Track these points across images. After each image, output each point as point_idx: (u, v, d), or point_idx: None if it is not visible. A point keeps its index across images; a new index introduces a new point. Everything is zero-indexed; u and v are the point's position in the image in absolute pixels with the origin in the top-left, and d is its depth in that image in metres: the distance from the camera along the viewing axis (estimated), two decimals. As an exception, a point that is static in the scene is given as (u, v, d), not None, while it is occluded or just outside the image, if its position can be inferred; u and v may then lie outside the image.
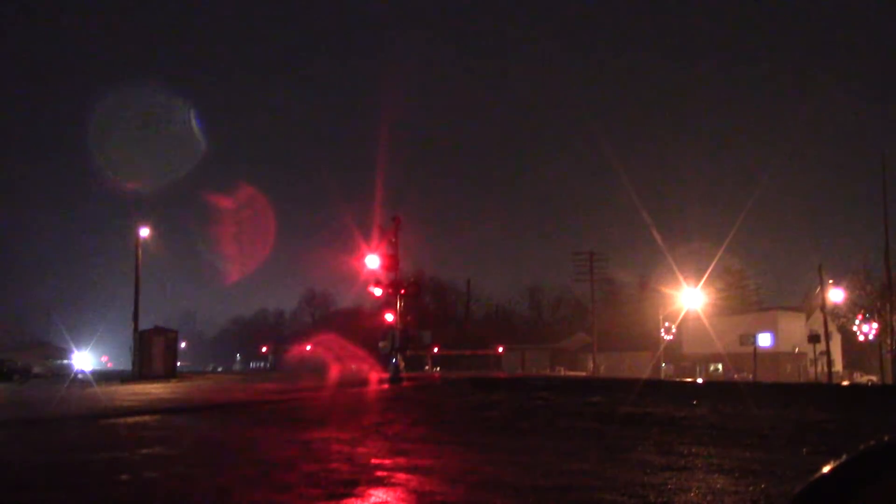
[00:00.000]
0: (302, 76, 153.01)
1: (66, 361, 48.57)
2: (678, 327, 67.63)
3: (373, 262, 29.49)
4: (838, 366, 65.00)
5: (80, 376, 38.49)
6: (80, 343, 46.95)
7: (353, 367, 79.57)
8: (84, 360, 45.92)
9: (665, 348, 66.18)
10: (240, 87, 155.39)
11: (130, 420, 15.07)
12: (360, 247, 30.78)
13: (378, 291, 30.09)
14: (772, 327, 66.77)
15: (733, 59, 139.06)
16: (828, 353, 50.63)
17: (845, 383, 48.63)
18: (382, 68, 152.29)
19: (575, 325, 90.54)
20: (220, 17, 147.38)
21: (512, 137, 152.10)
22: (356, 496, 6.93)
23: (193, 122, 46.39)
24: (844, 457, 1.24)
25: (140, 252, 41.28)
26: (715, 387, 24.01)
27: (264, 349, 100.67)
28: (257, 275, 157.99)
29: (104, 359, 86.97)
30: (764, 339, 63.08)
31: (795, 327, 66.47)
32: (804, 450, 9.44)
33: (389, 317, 30.55)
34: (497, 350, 79.79)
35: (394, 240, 29.81)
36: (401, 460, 9.19)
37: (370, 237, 30.65)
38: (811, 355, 59.06)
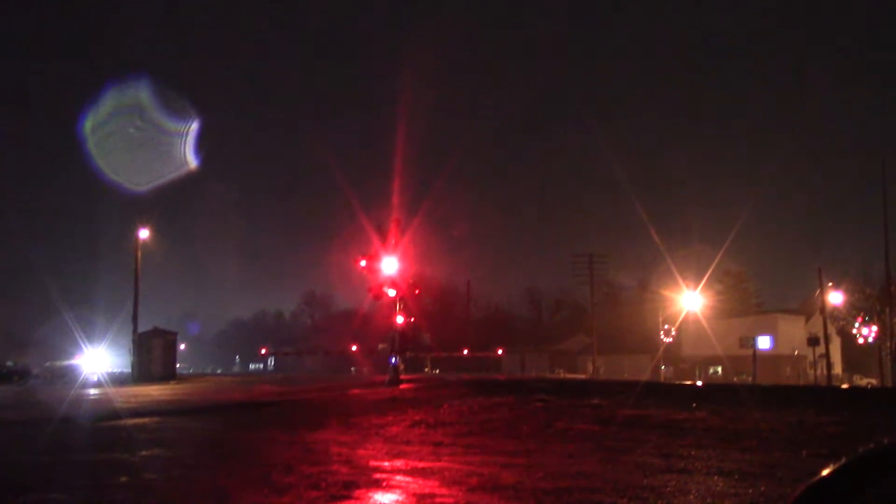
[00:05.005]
0: (303, 78, 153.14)
1: (68, 363, 48.52)
2: (678, 330, 67.62)
3: (373, 264, 29.47)
4: (838, 368, 64.99)
5: (83, 378, 38.44)
6: (84, 344, 46.84)
7: (353, 368, 79.65)
8: (92, 361, 45.74)
9: (665, 351, 66.14)
10: (241, 87, 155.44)
11: (130, 422, 15.06)
12: (360, 248, 30.76)
13: (377, 293, 30.08)
14: (771, 330, 66.81)
15: (733, 61, 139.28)
16: (827, 355, 50.62)
17: (845, 386, 48.60)
18: (384, 71, 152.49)
19: (574, 327, 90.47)
20: (225, 14, 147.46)
21: (512, 139, 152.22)
22: (355, 498, 6.93)
23: (191, 135, 46.32)
24: (844, 459, 1.25)
25: (139, 254, 41.28)
26: (714, 389, 23.99)
27: (263, 351, 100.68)
28: (257, 276, 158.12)
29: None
30: (763, 342, 63.10)
31: (795, 330, 66.51)
32: (804, 452, 9.44)
33: (390, 318, 30.55)
34: (496, 352, 79.77)
35: (394, 242, 29.80)
36: (400, 462, 9.19)
37: (370, 239, 30.65)
38: (811, 358, 59.06)
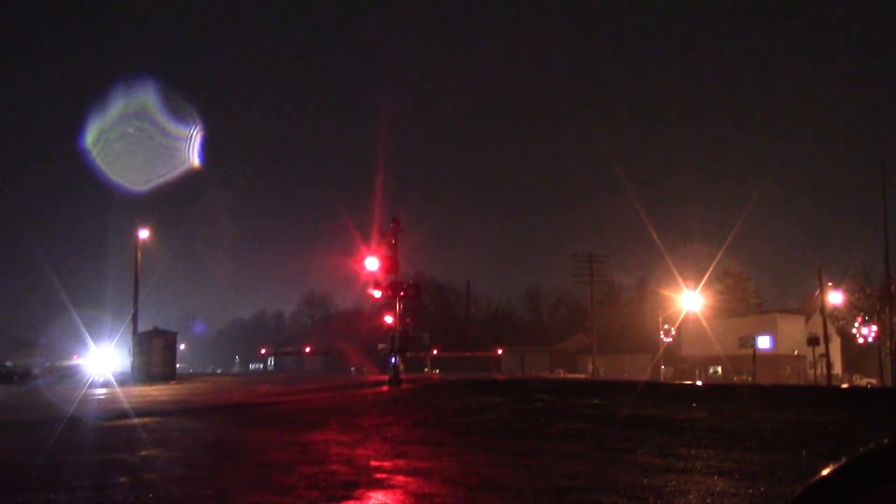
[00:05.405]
0: (301, 78, 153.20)
1: (69, 363, 48.54)
2: (678, 329, 67.64)
3: (372, 264, 29.43)
4: (837, 368, 64.99)
5: (83, 378, 38.42)
6: (89, 345, 46.86)
7: (353, 368, 79.66)
8: (94, 361, 45.71)
9: (664, 350, 66.17)
10: (239, 88, 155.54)
11: (129, 422, 15.06)
12: (360, 249, 30.73)
13: (377, 293, 30.05)
14: (771, 330, 66.78)
15: (733, 61, 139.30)
16: (827, 355, 50.64)
17: (845, 386, 48.60)
18: (382, 71, 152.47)
19: (574, 327, 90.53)
20: (221, 20, 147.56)
21: (512, 139, 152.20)
22: (356, 498, 6.92)
23: (195, 137, 46.50)
24: (844, 459, 1.25)
25: (139, 254, 41.25)
26: (714, 389, 23.97)
27: (263, 351, 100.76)
28: (257, 276, 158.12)
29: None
30: (763, 342, 63.11)
31: (795, 330, 66.49)
32: (803, 452, 9.43)
33: (389, 318, 30.53)
34: (496, 352, 79.81)
35: (393, 242, 29.76)
36: (400, 462, 9.19)
37: (370, 239, 30.62)
38: (810, 358, 59.08)
